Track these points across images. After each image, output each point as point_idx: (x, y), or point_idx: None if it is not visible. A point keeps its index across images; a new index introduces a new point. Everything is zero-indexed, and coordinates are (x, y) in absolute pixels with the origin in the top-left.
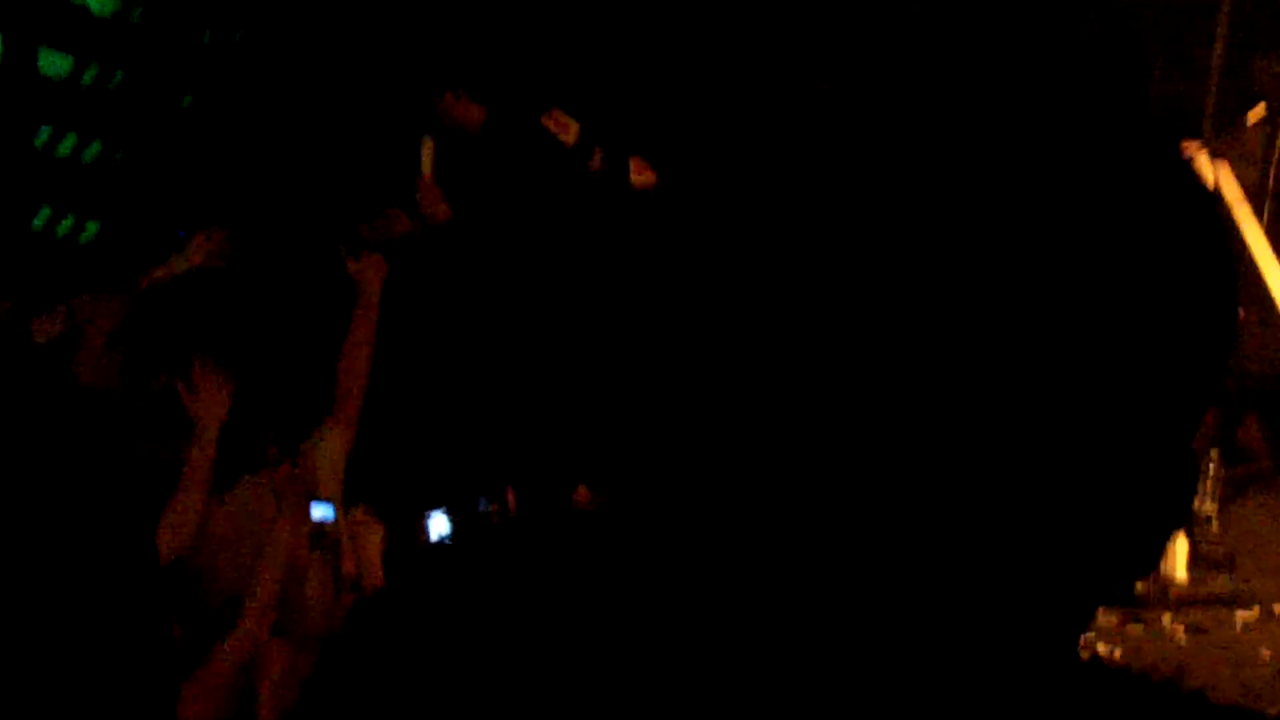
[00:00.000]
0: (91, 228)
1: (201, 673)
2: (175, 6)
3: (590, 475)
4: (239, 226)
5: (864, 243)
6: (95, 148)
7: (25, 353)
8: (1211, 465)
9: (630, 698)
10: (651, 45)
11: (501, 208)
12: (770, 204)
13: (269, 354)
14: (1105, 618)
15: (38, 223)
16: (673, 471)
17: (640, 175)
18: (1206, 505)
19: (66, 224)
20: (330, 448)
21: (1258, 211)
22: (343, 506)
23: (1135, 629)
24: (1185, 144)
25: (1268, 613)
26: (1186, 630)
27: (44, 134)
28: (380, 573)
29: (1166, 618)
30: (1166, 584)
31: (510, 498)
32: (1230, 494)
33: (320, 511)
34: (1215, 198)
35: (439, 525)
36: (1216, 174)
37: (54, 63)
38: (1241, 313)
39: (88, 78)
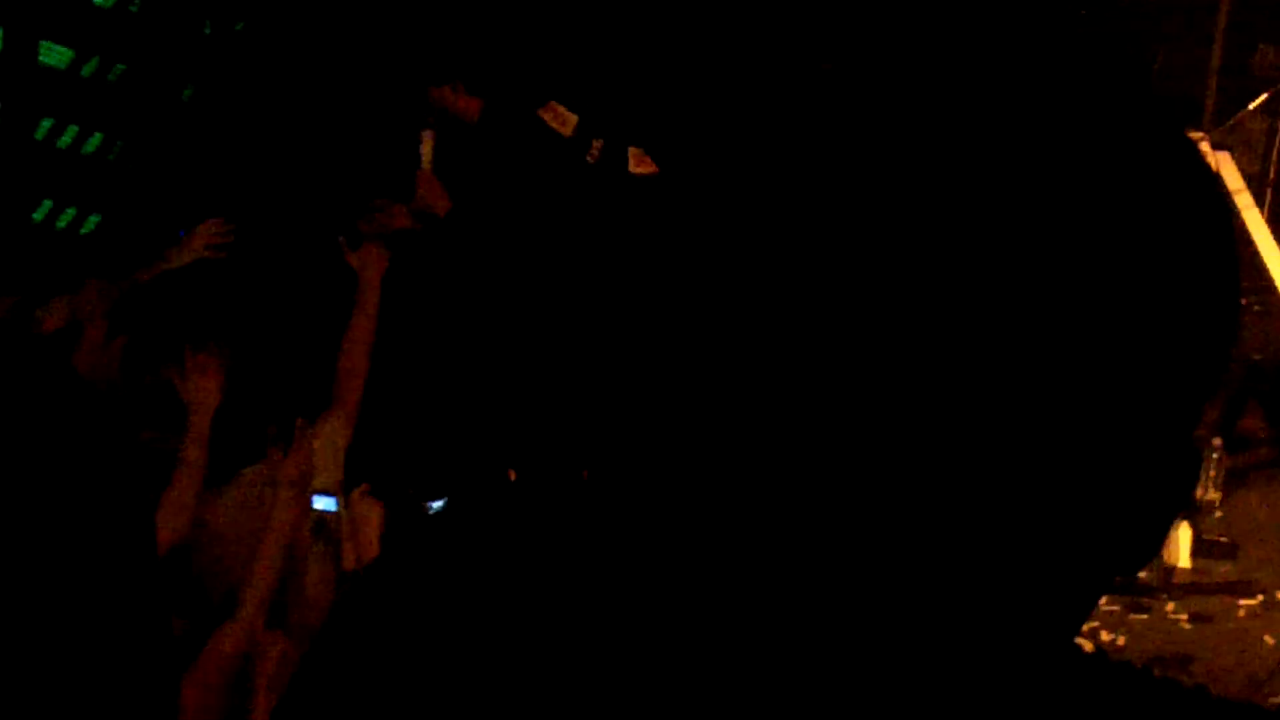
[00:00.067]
0: (92, 220)
1: (200, 664)
2: None
3: (589, 463)
4: (240, 218)
5: (865, 232)
6: (96, 140)
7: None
8: (1214, 453)
9: (622, 688)
10: (648, 36)
11: (500, 200)
12: (769, 195)
13: (270, 345)
14: (1108, 606)
15: (38, 215)
16: (668, 463)
17: (639, 166)
18: (1209, 493)
19: (67, 216)
20: (330, 439)
21: (1259, 201)
22: (343, 498)
23: (1138, 617)
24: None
25: (1271, 600)
26: (1189, 618)
27: (45, 126)
28: (377, 551)
29: (1169, 606)
30: (1169, 572)
31: (510, 482)
32: (1233, 482)
33: (321, 503)
34: (1219, 186)
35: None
36: (1217, 164)
37: (55, 54)
38: (1243, 301)
39: (88, 70)
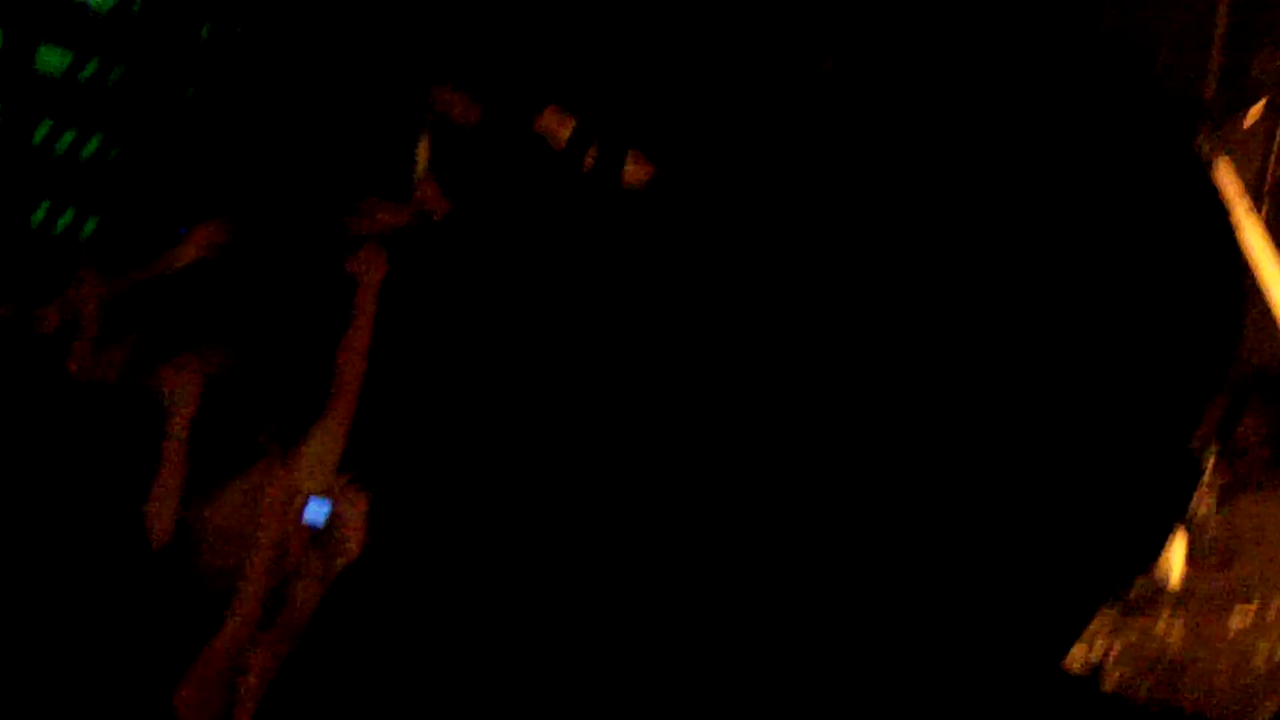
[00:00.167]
0: (91, 223)
1: (194, 666)
2: (174, 1)
3: (589, 463)
4: (238, 221)
5: (866, 233)
6: (94, 143)
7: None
8: (1210, 461)
9: (621, 687)
10: (645, 39)
11: (498, 202)
12: (768, 196)
13: (265, 348)
14: (1103, 614)
15: (36, 218)
16: (668, 467)
17: (636, 169)
18: (1205, 501)
19: (65, 219)
20: (324, 443)
21: (1256, 204)
22: (336, 499)
23: (1131, 625)
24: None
25: (1266, 609)
26: (1184, 627)
27: (42, 129)
28: (362, 543)
29: (1164, 614)
30: (1164, 580)
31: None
32: (1229, 490)
33: (314, 508)
34: (1219, 191)
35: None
36: (1216, 168)
37: (52, 58)
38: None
39: (86, 73)
